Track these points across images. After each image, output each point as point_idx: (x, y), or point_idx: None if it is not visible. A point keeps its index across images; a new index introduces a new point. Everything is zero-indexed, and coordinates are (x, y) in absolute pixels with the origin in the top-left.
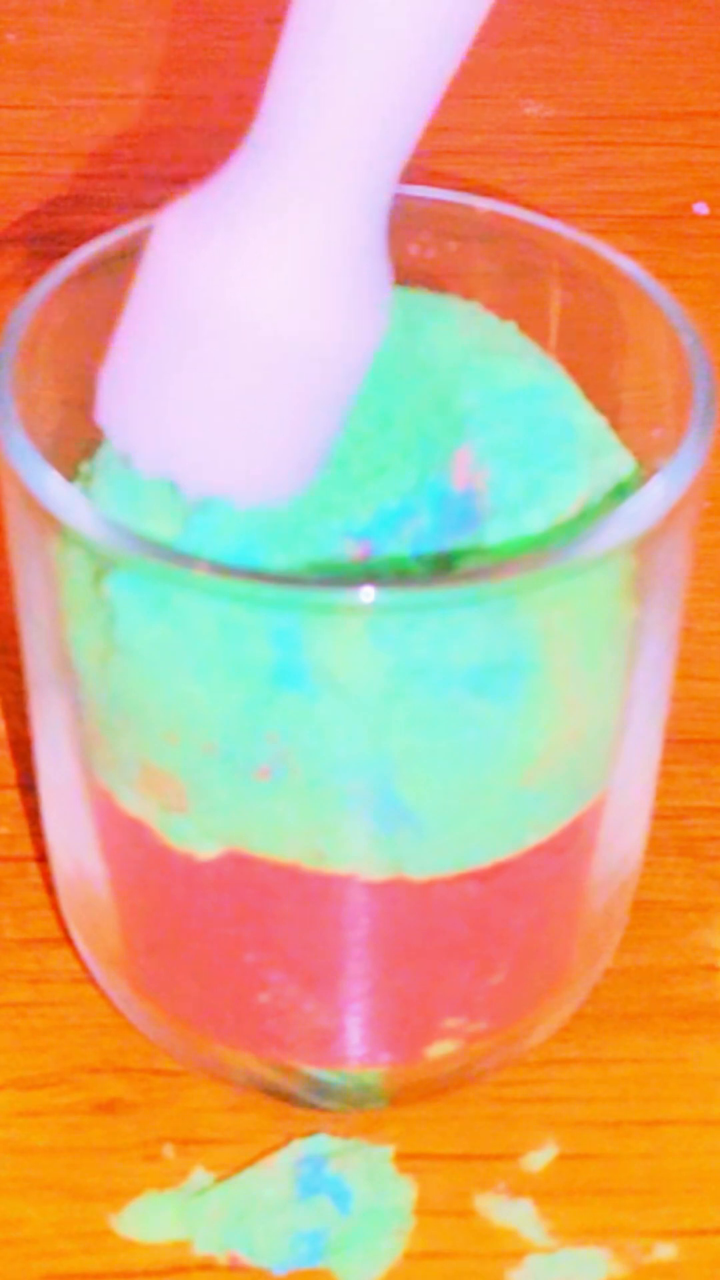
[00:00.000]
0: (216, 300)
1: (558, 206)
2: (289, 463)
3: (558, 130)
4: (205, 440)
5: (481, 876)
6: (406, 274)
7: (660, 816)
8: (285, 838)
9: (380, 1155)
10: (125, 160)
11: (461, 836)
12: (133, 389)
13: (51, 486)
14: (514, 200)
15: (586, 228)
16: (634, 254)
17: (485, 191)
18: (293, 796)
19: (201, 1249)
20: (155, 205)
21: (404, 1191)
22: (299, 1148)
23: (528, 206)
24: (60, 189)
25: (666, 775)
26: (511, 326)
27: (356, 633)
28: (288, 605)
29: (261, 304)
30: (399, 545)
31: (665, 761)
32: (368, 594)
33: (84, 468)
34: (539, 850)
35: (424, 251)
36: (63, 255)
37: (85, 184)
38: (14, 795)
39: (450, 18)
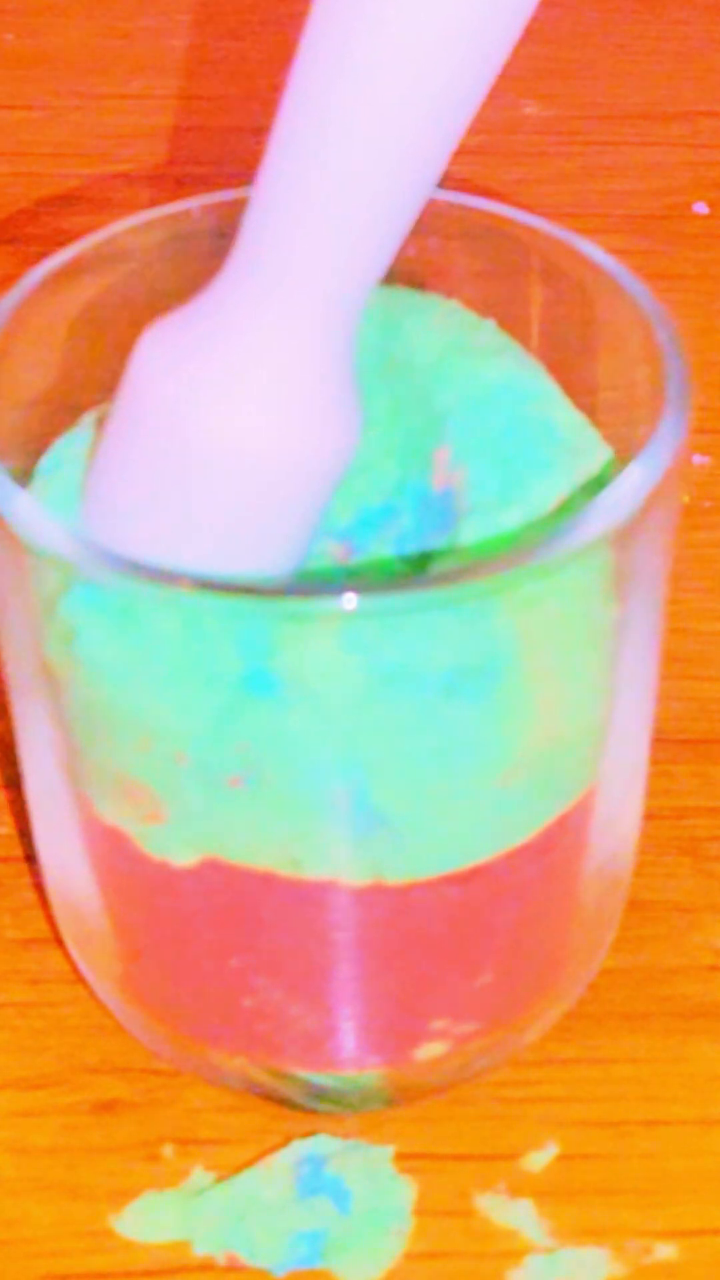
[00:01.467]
0: (195, 421)
1: (558, 206)
2: (266, 565)
3: (557, 130)
4: (185, 550)
5: (460, 879)
6: (387, 271)
7: (660, 816)
8: (261, 845)
9: (380, 1155)
10: (125, 160)
11: (439, 840)
12: (115, 501)
13: (16, 504)
14: (513, 200)
15: (586, 228)
16: (634, 254)
17: (484, 191)
18: (266, 804)
19: (201, 1249)
20: (155, 205)
21: (404, 1191)
22: (299, 1148)
23: (527, 206)
24: (60, 189)
25: (666, 775)
26: (490, 324)
27: (326, 640)
28: (252, 615)
29: (236, 426)
30: (382, 545)
31: (665, 761)
32: (336, 601)
33: (40, 465)
34: (519, 852)
35: (404, 249)
36: None
37: (85, 184)
38: (14, 795)
39: (416, 160)
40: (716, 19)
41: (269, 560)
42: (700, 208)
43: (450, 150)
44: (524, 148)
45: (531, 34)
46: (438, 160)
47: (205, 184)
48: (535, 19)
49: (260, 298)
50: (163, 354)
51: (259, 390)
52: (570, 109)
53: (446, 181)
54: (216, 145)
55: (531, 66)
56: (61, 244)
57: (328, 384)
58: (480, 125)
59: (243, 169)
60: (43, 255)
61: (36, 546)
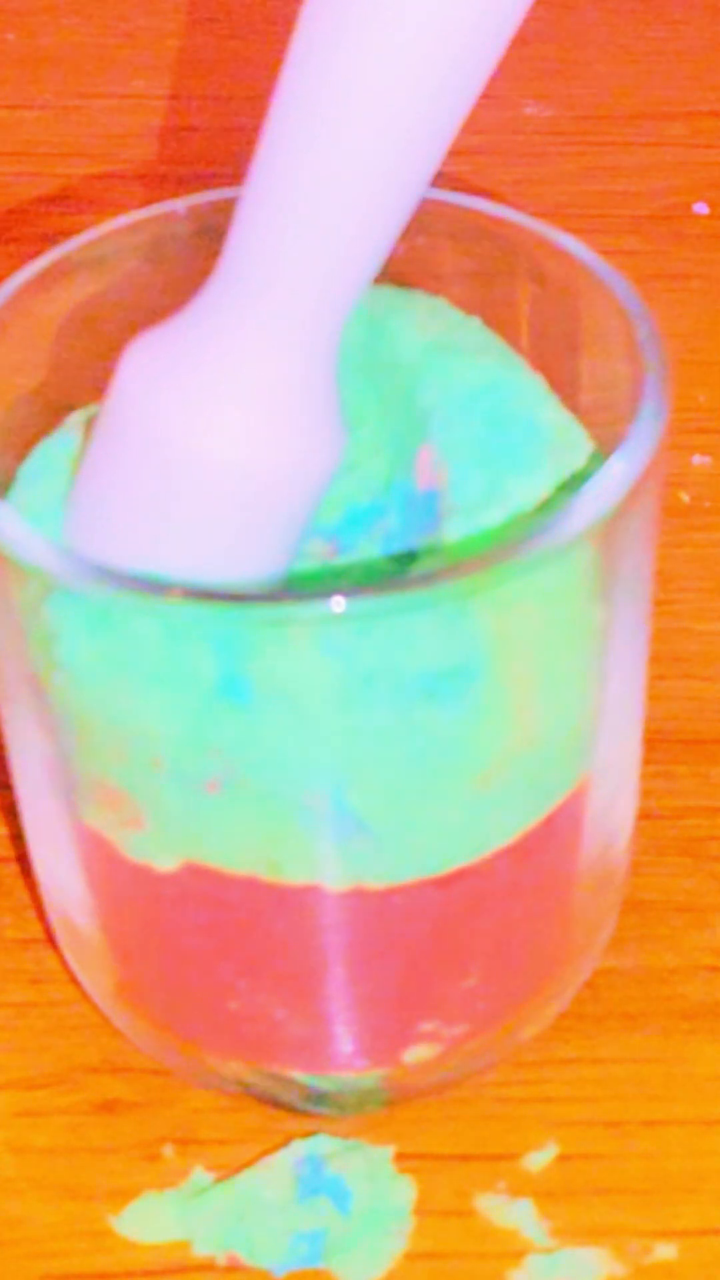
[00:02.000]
0: (178, 434)
1: (558, 206)
2: (250, 575)
3: (558, 130)
4: (168, 561)
5: (443, 883)
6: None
7: (660, 816)
8: (240, 850)
9: (380, 1155)
10: (125, 160)
11: (419, 843)
12: (98, 513)
13: None
14: (513, 200)
15: (586, 228)
16: (634, 254)
17: (483, 191)
18: (244, 809)
19: (201, 1249)
20: (155, 205)
21: (404, 1192)
22: (299, 1148)
23: (527, 207)
24: (60, 189)
25: (666, 775)
26: (476, 322)
27: (300, 645)
28: (227, 621)
29: (219, 438)
30: (368, 544)
31: (665, 761)
32: (312, 606)
33: (23, 468)
34: (502, 854)
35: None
36: None
37: (85, 184)
38: (12, 795)
39: (401, 171)
40: (717, 19)
41: (253, 572)
42: (700, 208)
43: (438, 161)
44: (524, 148)
45: (532, 34)
46: (424, 171)
47: (205, 184)
48: (535, 19)
49: (244, 311)
50: (147, 367)
51: (243, 404)
52: (570, 109)
53: (444, 181)
54: (216, 145)
55: (531, 66)
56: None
57: (312, 397)
58: (480, 125)
59: (242, 169)
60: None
61: (15, 556)
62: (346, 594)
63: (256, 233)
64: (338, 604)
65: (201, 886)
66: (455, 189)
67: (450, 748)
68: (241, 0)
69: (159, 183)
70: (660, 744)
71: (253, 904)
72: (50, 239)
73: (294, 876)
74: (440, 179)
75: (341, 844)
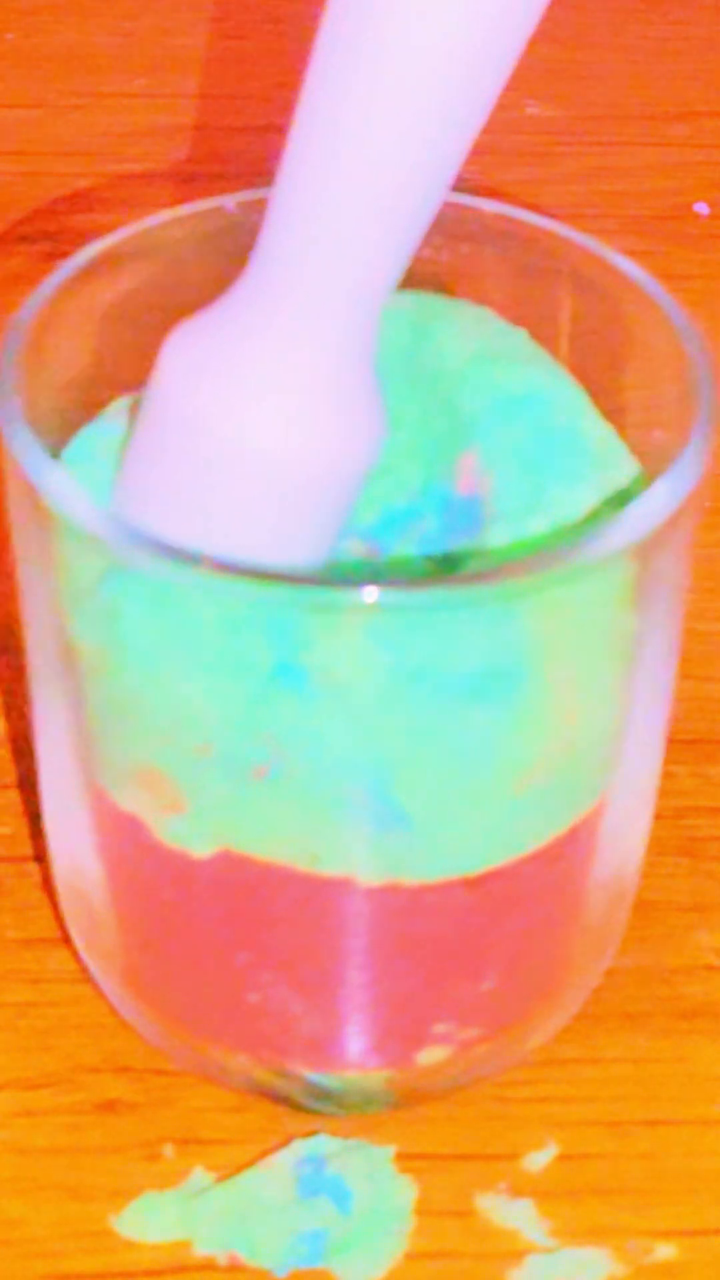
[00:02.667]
0: (218, 426)
1: (558, 206)
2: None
3: (558, 130)
4: (207, 545)
5: (473, 883)
6: (417, 277)
7: (660, 816)
8: (280, 839)
9: (381, 1155)
10: (125, 160)
11: (454, 842)
12: (142, 504)
13: (55, 482)
14: (516, 201)
15: (586, 228)
16: (634, 254)
17: (487, 192)
18: (288, 797)
19: (201, 1249)
20: (155, 205)
21: (405, 1191)
22: (299, 1148)
23: (530, 207)
24: (60, 189)
25: (666, 775)
26: (523, 333)
27: (355, 633)
28: (286, 604)
29: (259, 429)
30: (406, 546)
31: (665, 761)
32: (367, 593)
33: (64, 453)
34: (532, 859)
35: (436, 254)
36: (63, 255)
37: (85, 184)
38: (14, 795)
39: (433, 160)
40: (717, 19)
41: (293, 564)
42: (702, 208)
43: (466, 149)
44: (526, 148)
45: (535, 34)
46: (452, 164)
47: (210, 182)
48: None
49: (280, 301)
50: (187, 359)
51: (281, 395)
52: (573, 109)
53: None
54: (221, 143)
55: (534, 67)
56: (62, 244)
57: (350, 387)
58: (482, 125)
59: (248, 167)
60: (44, 255)
61: (74, 526)
62: (398, 585)
63: (288, 226)
64: (390, 594)
65: (235, 875)
66: (455, 189)
67: (493, 749)
68: (241, 0)
69: (159, 182)
70: (665, 741)
71: (284, 895)
72: (50, 239)
73: (330, 868)
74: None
75: (380, 838)
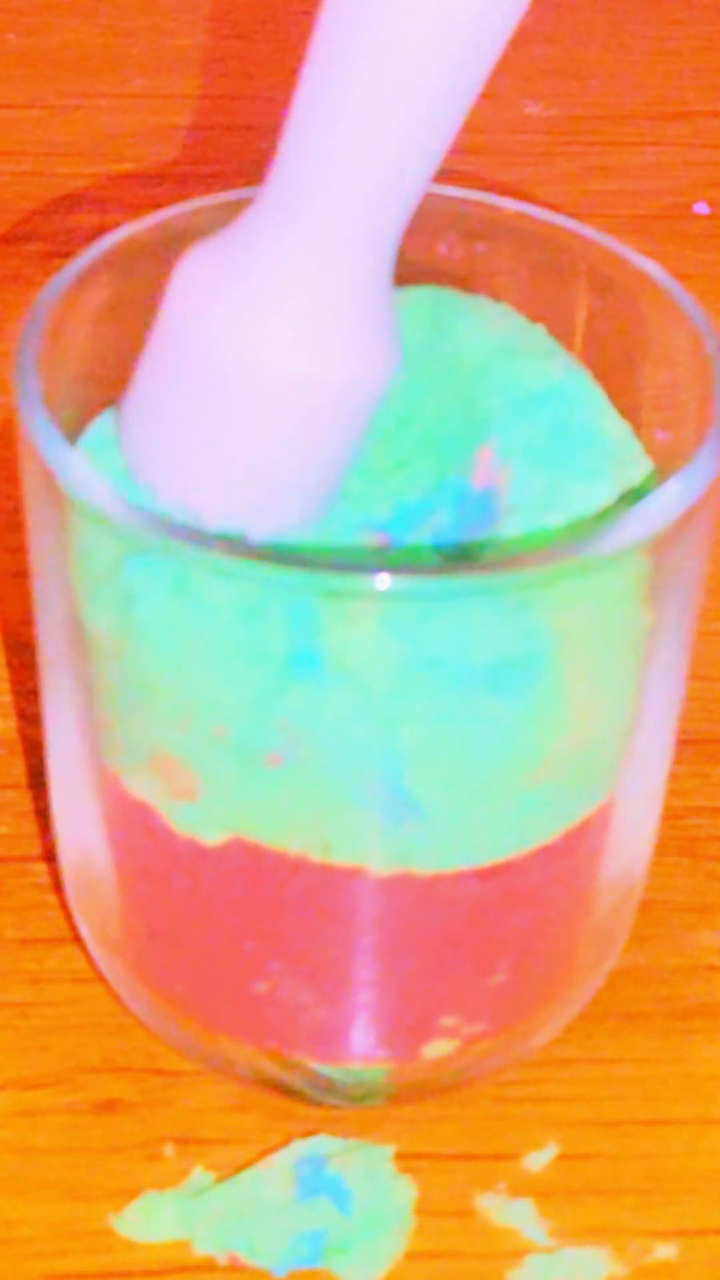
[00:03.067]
0: (231, 347)
1: (558, 206)
2: (302, 493)
3: (558, 130)
4: (222, 475)
5: (484, 875)
6: (435, 273)
7: (661, 816)
8: (292, 827)
9: (380, 1155)
10: (125, 160)
11: (466, 833)
12: (153, 427)
13: (73, 467)
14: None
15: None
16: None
17: (488, 191)
18: (302, 786)
19: (201, 1249)
20: (155, 205)
21: (404, 1191)
22: (299, 1148)
23: None
24: (60, 189)
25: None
26: (541, 329)
27: (371, 621)
28: (303, 588)
29: (272, 350)
30: (419, 539)
31: None
32: (384, 579)
33: (79, 441)
34: (542, 852)
35: (453, 251)
36: (63, 255)
37: (85, 184)
38: (14, 795)
39: (449, 82)
40: (717, 19)
41: (304, 490)
42: (701, 208)
43: (484, 76)
44: (526, 148)
45: (534, 34)
46: (470, 86)
47: (208, 182)
48: (535, 19)
49: (293, 224)
50: (199, 281)
51: (294, 316)
52: (572, 109)
53: (450, 179)
54: (219, 144)
55: (533, 67)
56: (62, 244)
57: (363, 311)
58: (482, 125)
59: (246, 166)
60: (44, 255)
61: (90, 511)
62: (414, 572)
63: (303, 146)
64: (405, 580)
65: (246, 863)
66: (478, 189)
67: (508, 740)
68: (241, 0)
69: (159, 182)
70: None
71: (296, 883)
72: (51, 239)
73: (342, 857)
74: (442, 176)
75: (393, 827)
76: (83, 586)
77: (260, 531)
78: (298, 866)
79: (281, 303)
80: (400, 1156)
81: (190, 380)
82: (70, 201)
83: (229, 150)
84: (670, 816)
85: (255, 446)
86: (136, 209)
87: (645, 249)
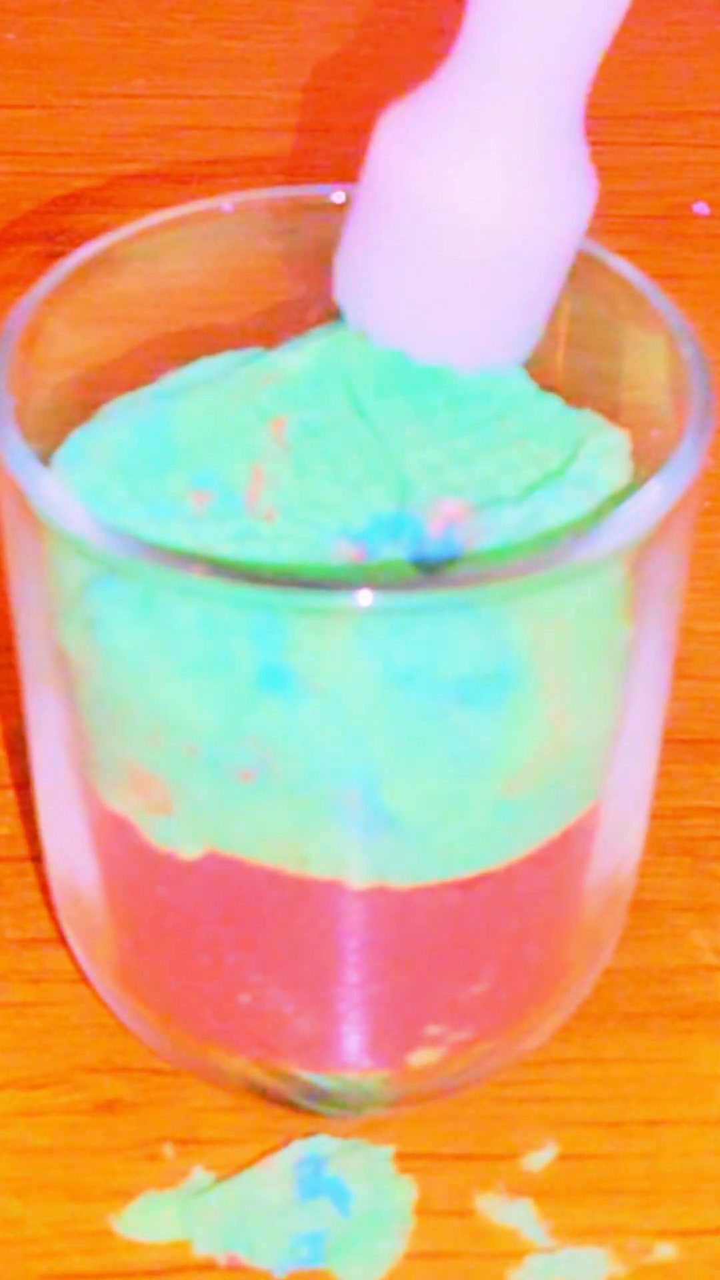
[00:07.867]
0: (435, 200)
1: None
2: (505, 333)
3: None
4: (429, 316)
5: (464, 886)
6: None
7: (660, 816)
8: (267, 841)
9: (380, 1156)
10: (127, 159)
11: (444, 845)
12: (365, 273)
13: (43, 487)
14: None
15: (587, 229)
16: (634, 254)
17: None
18: (275, 800)
19: (201, 1249)
20: (155, 205)
21: (404, 1192)
22: (299, 1148)
23: None
24: (60, 189)
25: (666, 775)
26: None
27: (343, 636)
28: (274, 607)
29: (474, 200)
30: (395, 550)
31: (665, 761)
32: (356, 597)
33: (57, 455)
34: (523, 863)
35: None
36: (61, 255)
37: (85, 184)
38: (14, 795)
39: None
40: (717, 19)
41: (511, 328)
42: (701, 208)
43: None
44: None
45: None
46: None
47: (207, 183)
48: None
49: (487, 75)
50: (401, 136)
51: (494, 163)
52: None
53: None
54: (218, 144)
55: None
56: (62, 244)
57: (559, 158)
58: None
59: (244, 168)
60: (43, 255)
61: (60, 530)
62: (385, 588)
63: (490, 10)
64: (376, 597)
65: (224, 876)
66: None
67: (483, 752)
68: (241, 0)
69: (159, 182)
70: (661, 744)
71: (274, 896)
72: (50, 239)
73: (319, 870)
74: None
75: (369, 840)
76: (56, 605)
77: (467, 366)
78: (275, 879)
79: (480, 152)
80: (400, 1157)
81: (397, 234)
82: (68, 201)
83: (229, 151)
84: (670, 816)
85: (459, 291)
86: (135, 210)
87: (645, 249)
